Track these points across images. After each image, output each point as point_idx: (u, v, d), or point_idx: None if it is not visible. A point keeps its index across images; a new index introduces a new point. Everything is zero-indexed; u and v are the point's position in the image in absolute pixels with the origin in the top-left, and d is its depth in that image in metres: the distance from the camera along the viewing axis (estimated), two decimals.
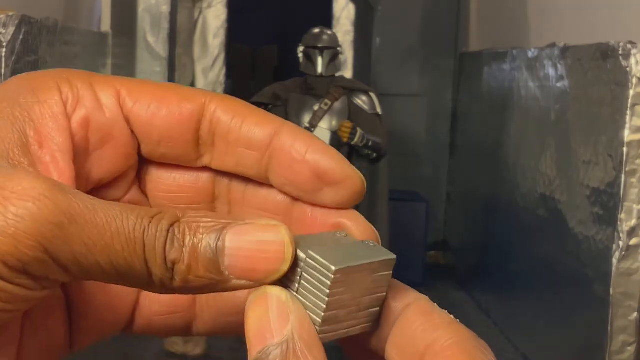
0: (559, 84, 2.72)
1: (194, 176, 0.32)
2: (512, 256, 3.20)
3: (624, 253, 2.20)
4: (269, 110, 3.18)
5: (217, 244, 0.27)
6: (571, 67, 2.61)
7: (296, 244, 0.28)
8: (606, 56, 2.30)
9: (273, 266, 0.27)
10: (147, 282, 0.27)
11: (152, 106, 0.30)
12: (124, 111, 0.30)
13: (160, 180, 0.32)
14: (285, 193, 0.31)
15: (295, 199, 0.31)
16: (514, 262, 3.17)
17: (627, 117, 2.18)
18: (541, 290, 2.83)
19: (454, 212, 4.28)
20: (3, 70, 2.16)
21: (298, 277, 0.28)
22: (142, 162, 0.32)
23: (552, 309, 2.69)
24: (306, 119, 3.11)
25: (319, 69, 3.11)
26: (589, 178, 2.40)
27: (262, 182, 0.32)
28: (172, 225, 0.27)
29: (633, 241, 2.20)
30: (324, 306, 0.27)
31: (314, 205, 0.31)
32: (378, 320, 0.29)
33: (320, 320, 0.27)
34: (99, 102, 0.30)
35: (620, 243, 2.20)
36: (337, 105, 3.12)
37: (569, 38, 2.72)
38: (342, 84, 3.18)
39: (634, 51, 2.17)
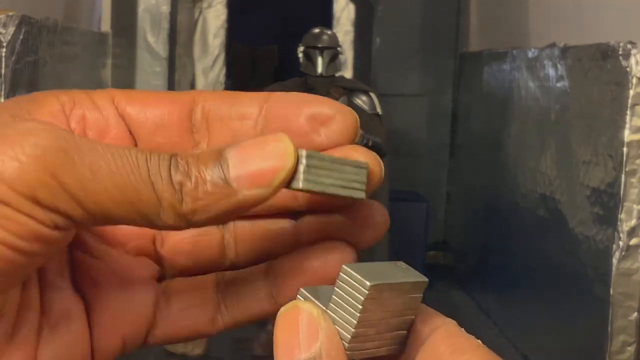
0: (559, 84, 2.72)
1: None
2: (512, 256, 3.20)
3: (624, 253, 2.20)
4: None
5: (220, 160, 0.27)
6: (571, 67, 2.61)
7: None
8: (606, 56, 2.31)
9: (277, 164, 0.27)
10: (157, 210, 0.27)
11: (145, 103, 0.31)
12: (118, 110, 0.31)
13: None
14: None
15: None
16: (514, 262, 3.17)
17: (627, 117, 2.18)
18: (541, 290, 2.83)
19: (454, 212, 4.29)
20: (3, 70, 2.16)
21: (330, 292, 0.28)
22: None
23: (552, 309, 2.69)
24: None
25: (319, 69, 3.11)
26: (589, 178, 2.40)
27: None
28: (173, 155, 0.27)
29: (633, 241, 2.20)
30: (355, 322, 0.27)
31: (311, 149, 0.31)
32: (405, 343, 0.29)
33: (349, 337, 0.28)
34: (94, 103, 0.31)
35: (620, 243, 2.20)
36: None
37: (569, 38, 2.72)
38: (342, 84, 3.18)
39: (634, 51, 2.17)
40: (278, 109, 0.31)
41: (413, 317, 0.29)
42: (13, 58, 2.20)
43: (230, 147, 0.28)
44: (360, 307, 0.27)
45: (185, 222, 0.27)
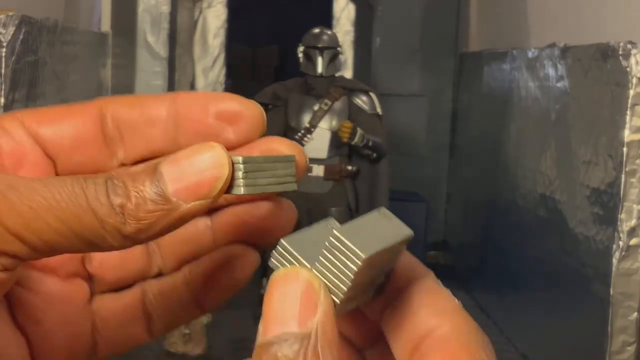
0: (559, 84, 2.72)
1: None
2: (512, 256, 3.20)
3: (624, 253, 2.20)
4: (268, 110, 3.18)
5: (156, 176, 0.27)
6: (571, 67, 2.61)
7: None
8: (606, 56, 2.31)
9: (214, 175, 0.27)
10: (102, 235, 0.27)
11: (56, 122, 0.31)
12: (31, 133, 0.31)
13: None
14: None
15: None
16: (514, 262, 3.17)
17: (627, 117, 2.18)
18: (541, 290, 2.83)
19: (454, 212, 4.29)
20: (3, 70, 2.16)
21: (314, 242, 0.28)
22: None
23: (552, 309, 2.69)
24: (306, 119, 3.11)
25: (319, 69, 3.11)
26: (589, 178, 2.40)
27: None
28: (108, 179, 0.27)
29: (633, 241, 2.20)
30: (345, 289, 0.27)
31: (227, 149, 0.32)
32: (382, 289, 0.29)
33: (338, 302, 0.27)
34: (4, 129, 0.31)
35: (620, 243, 2.20)
36: (337, 105, 3.12)
37: (569, 38, 2.72)
38: (342, 84, 3.19)
39: (634, 51, 2.17)
40: (185, 110, 0.31)
41: (393, 266, 0.29)
42: (13, 58, 2.20)
43: (164, 162, 0.28)
44: (352, 276, 0.26)
45: (130, 241, 0.27)
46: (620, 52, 2.21)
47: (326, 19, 4.37)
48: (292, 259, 0.28)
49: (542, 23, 3.20)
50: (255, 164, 0.29)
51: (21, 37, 2.24)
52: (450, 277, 4.05)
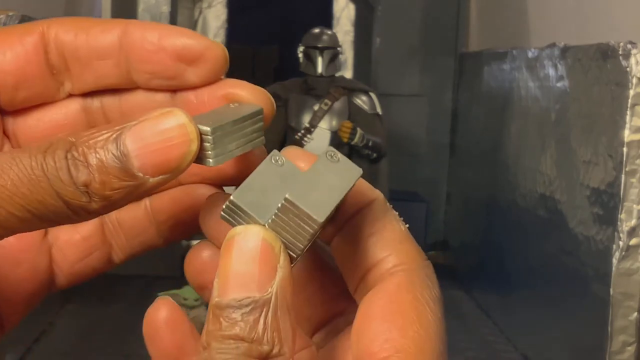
0: (559, 84, 2.72)
1: (62, 112, 0.31)
2: (512, 256, 3.20)
3: (624, 253, 2.20)
4: None
5: (120, 150, 0.26)
6: (571, 67, 2.61)
7: (200, 122, 0.27)
8: (606, 56, 2.31)
9: (182, 150, 0.26)
10: (67, 214, 0.26)
11: None
12: None
13: (30, 129, 0.31)
14: (154, 89, 0.30)
15: (173, 91, 0.30)
16: (514, 262, 3.17)
17: (627, 117, 2.18)
18: (541, 290, 2.83)
19: (454, 212, 4.29)
20: None
21: (271, 211, 0.26)
22: (5, 117, 0.31)
23: (552, 309, 2.69)
24: (306, 119, 3.11)
25: (319, 69, 3.11)
26: (589, 178, 2.40)
27: (132, 88, 0.30)
28: (68, 151, 0.26)
29: (633, 241, 2.20)
30: (302, 247, 0.26)
31: (184, 89, 0.30)
32: (333, 218, 0.28)
33: (295, 256, 0.26)
34: None
35: (620, 243, 2.20)
36: (337, 105, 3.12)
37: (569, 38, 2.72)
38: (342, 84, 3.18)
39: (634, 51, 2.17)
40: (139, 45, 0.29)
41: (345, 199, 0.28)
42: None
43: (128, 134, 0.26)
44: (309, 237, 0.26)
45: (95, 215, 0.27)
46: (620, 52, 2.21)
47: (326, 19, 4.37)
48: (245, 217, 0.27)
49: (542, 23, 3.20)
50: (224, 130, 0.28)
51: None
52: (450, 277, 4.05)
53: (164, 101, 0.30)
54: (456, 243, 4.22)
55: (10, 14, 2.19)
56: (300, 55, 3.17)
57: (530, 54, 3.06)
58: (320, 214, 0.26)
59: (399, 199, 3.68)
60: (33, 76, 0.30)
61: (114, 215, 0.32)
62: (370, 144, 3.07)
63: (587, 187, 2.41)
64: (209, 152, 0.27)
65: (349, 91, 3.15)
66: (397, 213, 0.29)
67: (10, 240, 0.30)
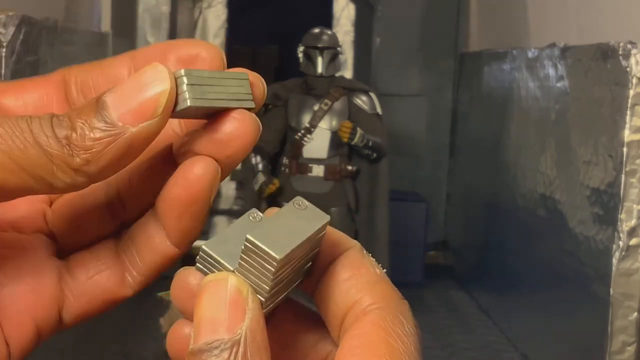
0: (559, 84, 2.72)
1: None
2: (512, 256, 3.20)
3: (624, 253, 2.20)
4: (268, 110, 3.18)
5: (99, 105, 0.27)
6: (571, 67, 2.61)
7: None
8: (606, 56, 2.31)
9: (157, 89, 0.27)
10: (51, 169, 0.26)
11: (19, 91, 0.31)
12: None
13: None
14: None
15: None
16: (514, 262, 3.17)
17: (627, 117, 2.18)
18: (541, 290, 2.83)
19: (454, 212, 4.28)
20: (3, 71, 2.16)
21: (234, 244, 0.27)
22: None
23: (552, 309, 2.69)
24: (306, 119, 3.11)
25: (319, 69, 3.11)
26: (589, 178, 2.40)
27: None
28: (53, 115, 0.27)
29: (633, 241, 2.20)
30: (268, 288, 0.27)
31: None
32: (310, 271, 0.29)
33: (263, 300, 0.27)
34: None
35: (620, 243, 2.20)
36: (337, 105, 3.12)
37: (569, 38, 2.72)
38: (342, 84, 3.18)
39: (634, 51, 2.17)
40: (145, 64, 0.30)
41: (318, 249, 0.29)
42: (13, 58, 2.20)
43: (107, 91, 0.27)
44: (272, 276, 0.27)
45: (83, 175, 0.27)
46: (620, 52, 2.21)
47: (326, 19, 4.37)
48: (216, 264, 0.28)
49: (542, 23, 3.20)
50: (201, 77, 0.28)
51: (21, 37, 2.24)
52: (450, 277, 4.05)
53: None
54: (456, 243, 4.21)
55: (11, 14, 2.19)
56: (300, 55, 3.17)
57: (530, 54, 3.06)
58: (279, 252, 0.26)
59: (399, 199, 3.68)
60: (53, 109, 0.31)
61: (125, 234, 0.32)
62: (370, 144, 3.07)
63: (587, 187, 2.41)
64: (185, 94, 0.28)
65: (349, 91, 3.15)
66: (373, 260, 0.29)
67: (22, 249, 0.31)
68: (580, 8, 2.81)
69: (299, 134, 3.10)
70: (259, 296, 0.27)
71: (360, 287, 0.28)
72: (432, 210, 4.13)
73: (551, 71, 2.79)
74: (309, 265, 0.29)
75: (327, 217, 0.28)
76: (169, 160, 0.31)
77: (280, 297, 0.28)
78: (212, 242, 0.28)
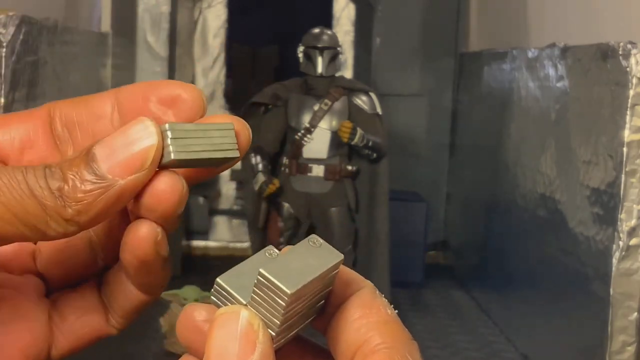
0: (559, 84, 2.72)
1: None
2: (512, 256, 3.20)
3: (624, 253, 2.20)
4: (268, 110, 3.18)
5: (89, 157, 0.28)
6: (571, 67, 2.61)
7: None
8: (606, 56, 2.31)
9: (144, 144, 0.28)
10: (44, 219, 0.28)
11: (6, 124, 0.32)
12: None
13: None
14: None
15: None
16: (514, 262, 3.17)
17: (627, 117, 2.18)
18: (541, 290, 2.83)
19: (454, 212, 4.29)
20: (3, 71, 2.16)
21: (248, 277, 0.28)
22: None
23: (552, 309, 2.69)
24: (306, 119, 3.11)
25: (319, 69, 3.11)
26: (589, 178, 2.40)
27: None
28: (46, 166, 0.28)
29: (633, 241, 2.20)
30: (278, 322, 0.28)
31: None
32: (323, 309, 0.30)
33: (274, 334, 0.28)
34: None
35: (620, 243, 2.20)
36: (337, 105, 3.12)
37: (569, 38, 2.72)
38: (342, 84, 3.18)
39: (634, 51, 2.17)
40: (128, 102, 0.32)
41: (331, 287, 0.29)
42: (13, 58, 2.20)
43: (96, 144, 0.29)
44: (283, 311, 0.27)
45: (74, 225, 0.28)
46: (620, 52, 2.21)
47: (326, 19, 4.37)
48: (230, 297, 0.28)
49: (542, 23, 3.20)
50: (186, 130, 0.29)
51: (21, 37, 2.24)
52: (450, 277, 4.05)
53: None
54: (456, 243, 4.21)
55: (11, 14, 2.19)
56: (300, 55, 3.17)
57: (530, 54, 3.06)
58: (291, 286, 0.27)
59: (399, 199, 3.68)
60: (38, 144, 0.32)
61: (109, 275, 0.34)
62: (370, 144, 3.07)
63: (587, 187, 2.41)
64: (171, 147, 0.29)
65: (349, 91, 3.15)
66: (385, 300, 0.30)
67: (13, 288, 0.32)
68: (580, 8, 2.81)
69: (299, 134, 3.10)
70: (270, 330, 0.28)
71: (370, 326, 0.28)
72: (432, 210, 4.13)
73: (551, 71, 2.79)
74: (321, 303, 0.30)
75: (341, 256, 0.29)
76: (126, 216, 0.32)
77: (292, 333, 0.29)
78: (226, 276, 0.29)
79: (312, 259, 0.28)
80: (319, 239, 0.29)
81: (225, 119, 0.31)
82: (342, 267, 0.30)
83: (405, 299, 3.62)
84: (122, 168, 0.28)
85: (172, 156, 0.29)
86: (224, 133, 0.30)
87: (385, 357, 0.28)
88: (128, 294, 0.33)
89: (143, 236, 0.30)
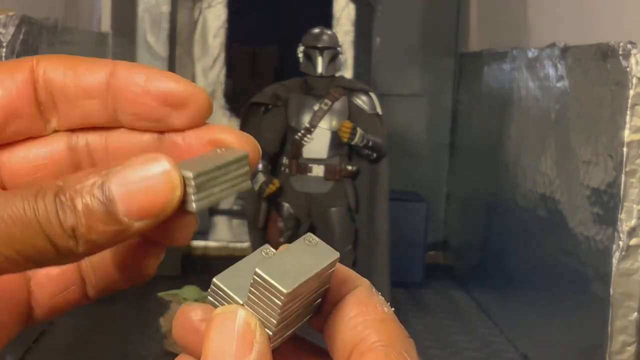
0: (559, 84, 2.72)
1: (47, 149, 0.31)
2: (512, 256, 3.20)
3: (624, 253, 2.20)
4: (268, 111, 3.18)
5: (106, 195, 0.27)
6: (571, 67, 2.61)
7: (185, 168, 0.28)
8: (606, 56, 2.31)
9: (166, 196, 0.27)
10: (54, 257, 0.27)
11: None
12: None
13: (14, 165, 0.31)
14: (139, 129, 0.31)
15: (160, 132, 0.31)
16: (514, 262, 3.17)
17: (627, 117, 2.18)
18: (541, 290, 2.83)
19: (454, 212, 4.28)
20: None
21: (244, 277, 0.28)
22: None
23: (552, 309, 2.69)
24: (306, 119, 3.11)
25: (319, 69, 3.11)
26: (589, 178, 2.40)
27: (118, 127, 0.31)
28: (57, 195, 0.27)
29: (633, 241, 2.20)
30: (275, 322, 0.28)
31: (169, 132, 0.31)
32: (320, 307, 0.30)
33: (271, 333, 0.28)
34: None
35: (620, 243, 2.20)
36: (337, 105, 3.12)
37: (569, 38, 2.72)
38: (342, 84, 3.18)
39: (634, 51, 2.17)
40: (125, 88, 0.30)
41: (327, 286, 0.29)
42: (13, 58, 2.20)
43: (113, 178, 0.27)
44: (279, 310, 0.27)
45: (82, 257, 0.28)
46: (620, 52, 2.21)
47: (326, 19, 4.37)
48: (226, 297, 0.28)
49: (542, 23, 3.20)
50: (207, 175, 0.28)
51: (21, 37, 2.24)
52: (450, 277, 4.05)
53: (150, 142, 0.31)
54: (456, 243, 4.21)
55: (10, 14, 2.19)
56: (300, 55, 3.17)
57: (530, 54, 3.06)
58: (287, 286, 0.27)
59: (399, 199, 3.68)
60: (22, 112, 0.30)
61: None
62: (370, 144, 3.07)
63: (587, 187, 2.41)
64: (191, 196, 0.28)
65: (349, 91, 3.15)
66: (382, 298, 0.30)
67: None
68: (580, 8, 2.81)
69: (299, 134, 3.10)
70: (267, 330, 0.28)
71: (367, 324, 0.28)
72: (432, 210, 4.13)
73: (551, 71, 2.79)
74: (318, 301, 0.30)
75: (337, 254, 0.29)
76: None
77: (289, 332, 0.29)
78: (223, 276, 0.29)
79: (307, 257, 0.28)
80: (315, 237, 0.29)
81: (233, 136, 0.30)
82: (339, 266, 0.30)
83: (405, 299, 3.62)
84: (140, 214, 0.27)
85: (194, 208, 0.28)
86: (239, 165, 0.30)
87: (381, 354, 0.27)
88: (111, 275, 0.33)
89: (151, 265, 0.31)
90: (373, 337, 0.28)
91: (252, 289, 0.27)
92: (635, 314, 2.21)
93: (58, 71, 0.30)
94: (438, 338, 3.17)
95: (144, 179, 0.27)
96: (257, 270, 0.27)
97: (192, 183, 0.28)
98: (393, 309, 0.30)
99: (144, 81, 0.30)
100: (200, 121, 0.31)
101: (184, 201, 0.28)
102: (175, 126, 0.30)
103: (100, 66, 0.30)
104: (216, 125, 0.31)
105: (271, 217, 3.15)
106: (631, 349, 2.22)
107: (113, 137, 0.31)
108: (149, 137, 0.31)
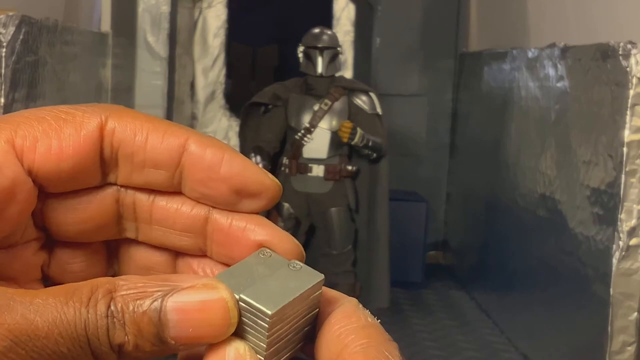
0: (559, 84, 2.72)
1: (98, 200, 0.31)
2: (512, 256, 3.20)
3: (624, 253, 2.20)
4: (268, 110, 3.18)
5: (160, 316, 0.27)
6: (571, 67, 2.61)
7: (226, 284, 0.28)
8: (606, 56, 2.31)
9: (218, 331, 0.27)
10: None
11: (54, 160, 0.29)
12: (24, 165, 0.29)
13: (63, 214, 0.31)
14: (202, 203, 0.31)
15: (212, 206, 0.31)
16: (514, 262, 3.17)
17: (627, 117, 2.18)
18: (541, 290, 2.83)
19: (454, 212, 4.29)
20: (3, 70, 2.16)
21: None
22: (41, 198, 0.30)
23: (552, 309, 2.69)
24: (306, 119, 3.11)
25: (319, 69, 3.11)
26: (589, 178, 2.40)
27: (170, 192, 0.31)
28: (109, 305, 0.26)
29: (633, 241, 2.20)
30: (265, 346, 0.28)
31: (229, 211, 0.30)
32: (314, 335, 0.30)
33: (262, 358, 0.28)
34: None
35: (620, 243, 2.20)
36: (337, 105, 3.12)
37: (569, 38, 2.72)
38: (342, 84, 3.18)
39: (634, 51, 2.17)
40: (200, 169, 0.29)
41: (317, 309, 0.30)
42: (13, 58, 2.20)
43: (171, 305, 0.27)
44: (267, 333, 0.28)
45: None
46: (620, 52, 2.21)
47: (326, 19, 4.37)
48: None
49: (542, 23, 3.20)
50: (280, 317, 0.28)
51: (21, 37, 2.24)
52: (450, 277, 4.05)
53: (197, 216, 0.31)
54: (456, 243, 4.22)
55: (10, 14, 2.19)
56: (300, 55, 3.17)
57: (530, 54, 3.06)
58: (271, 307, 0.27)
59: (399, 199, 3.68)
60: (85, 168, 0.29)
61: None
62: (370, 144, 3.07)
63: (587, 187, 2.41)
64: (264, 343, 0.28)
65: (349, 91, 3.15)
66: (368, 311, 0.30)
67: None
68: (580, 8, 2.81)
69: (299, 134, 3.10)
70: (259, 355, 0.28)
71: (349, 331, 0.28)
72: (432, 210, 4.13)
73: (551, 71, 2.79)
74: (310, 328, 0.30)
75: (321, 276, 0.29)
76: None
77: (284, 358, 0.29)
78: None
79: (292, 281, 0.29)
80: (299, 262, 0.29)
81: (276, 238, 0.30)
82: (325, 289, 0.30)
83: (405, 299, 3.62)
84: (189, 342, 0.27)
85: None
86: (314, 297, 0.29)
87: (361, 356, 0.28)
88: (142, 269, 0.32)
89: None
90: (355, 342, 0.28)
91: (240, 316, 0.28)
92: (635, 314, 2.21)
93: (127, 133, 0.29)
94: (438, 338, 3.17)
95: (200, 310, 0.27)
96: (242, 296, 0.27)
97: (266, 327, 0.28)
98: (379, 320, 0.30)
99: (219, 166, 0.29)
100: (265, 209, 0.31)
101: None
102: (240, 210, 0.30)
103: (174, 136, 0.29)
104: (260, 219, 0.30)
105: (271, 217, 3.15)
106: (631, 349, 2.22)
107: (160, 203, 0.31)
108: (197, 211, 0.31)
